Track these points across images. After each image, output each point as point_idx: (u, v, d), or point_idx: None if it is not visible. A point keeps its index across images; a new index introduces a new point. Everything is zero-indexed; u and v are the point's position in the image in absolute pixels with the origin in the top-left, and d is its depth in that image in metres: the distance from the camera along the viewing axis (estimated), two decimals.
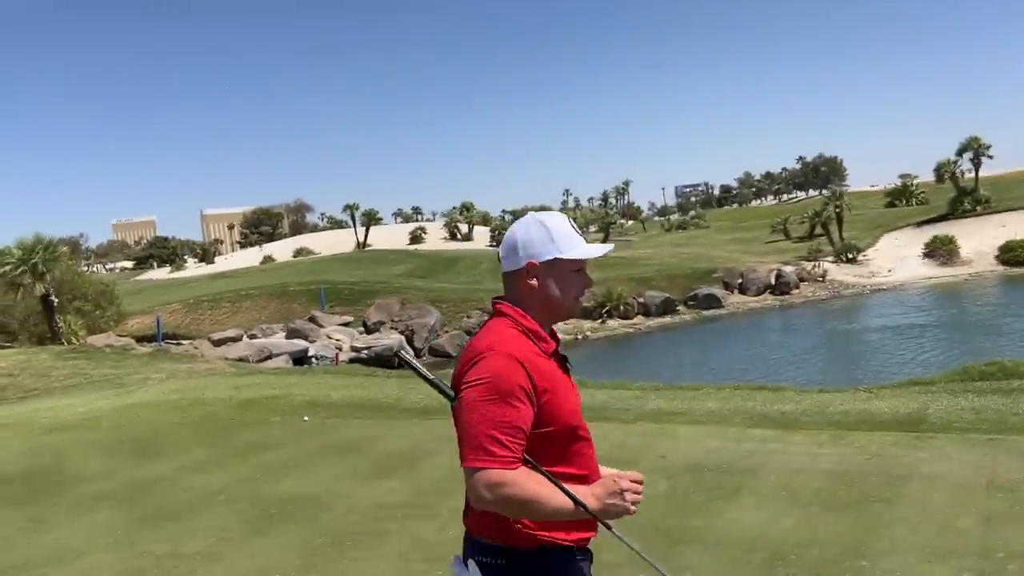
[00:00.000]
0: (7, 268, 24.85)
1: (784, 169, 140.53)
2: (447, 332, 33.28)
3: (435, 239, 71.84)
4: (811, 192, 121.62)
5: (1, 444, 9.53)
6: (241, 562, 5.02)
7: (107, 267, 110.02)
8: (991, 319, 29.69)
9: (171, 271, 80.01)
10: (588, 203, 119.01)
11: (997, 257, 43.11)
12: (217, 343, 29.67)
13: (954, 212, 51.71)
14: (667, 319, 36.45)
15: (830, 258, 45.87)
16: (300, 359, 28.37)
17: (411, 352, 31.33)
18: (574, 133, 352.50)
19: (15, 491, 7.23)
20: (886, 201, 70.02)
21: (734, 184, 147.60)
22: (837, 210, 50.33)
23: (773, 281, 41.35)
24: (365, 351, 29.70)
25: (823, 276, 43.09)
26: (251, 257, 77.84)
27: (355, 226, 72.48)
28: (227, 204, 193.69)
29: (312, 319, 34.41)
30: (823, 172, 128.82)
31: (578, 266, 2.08)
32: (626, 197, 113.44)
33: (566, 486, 1.89)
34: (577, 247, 2.06)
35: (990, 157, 53.92)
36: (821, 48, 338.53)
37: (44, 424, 10.77)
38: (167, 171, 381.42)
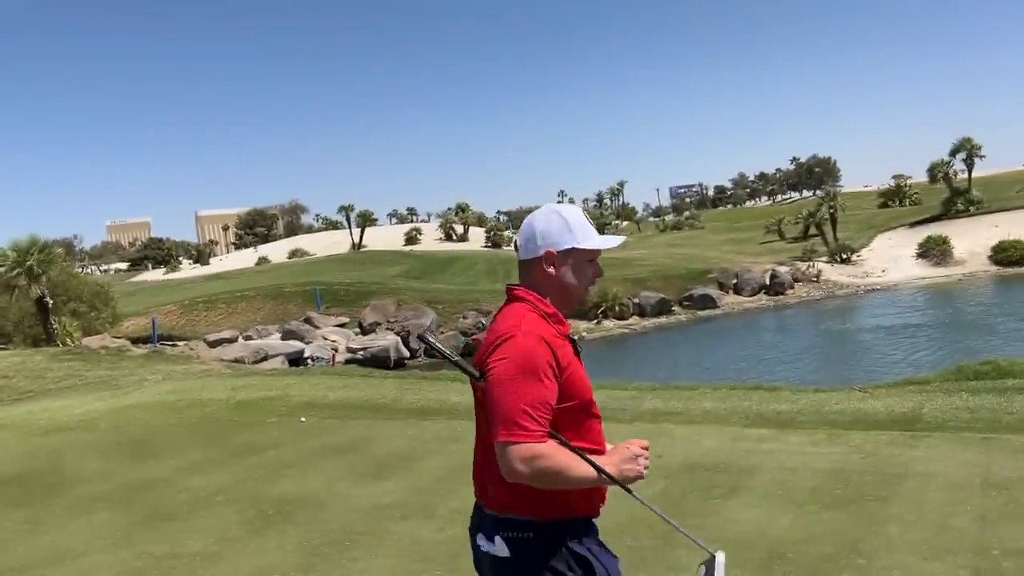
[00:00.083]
0: (2, 270, 24.79)
1: (778, 170, 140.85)
2: (443, 333, 33.26)
3: (430, 240, 71.82)
4: (805, 193, 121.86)
5: None
6: (240, 562, 5.03)
7: (101, 268, 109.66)
8: (984, 319, 29.80)
9: (166, 272, 79.80)
10: (583, 204, 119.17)
11: (990, 257, 43.28)
12: (213, 344, 29.61)
13: (947, 212, 51.88)
14: (662, 319, 36.50)
15: (824, 258, 45.97)
16: (296, 360, 28.33)
17: (407, 352, 31.38)
18: (569, 134, 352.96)
19: (12, 492, 7.22)
20: (880, 201, 70.16)
21: (728, 185, 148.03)
22: (831, 210, 50.44)
23: (768, 281, 41.44)
24: (361, 352, 29.68)
25: (817, 276, 43.19)
26: (246, 258, 77.64)
27: (350, 227, 72.42)
28: (222, 205, 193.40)
29: (308, 320, 34.37)
30: (817, 173, 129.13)
31: (592, 256, 2.20)
32: (621, 198, 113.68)
33: (589, 456, 2.01)
34: (592, 238, 2.18)
35: (981, 157, 54.14)
36: (815, 50, 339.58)
37: (40, 426, 10.76)
38: (162, 172, 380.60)
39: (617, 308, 35.64)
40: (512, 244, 67.03)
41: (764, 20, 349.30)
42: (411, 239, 70.80)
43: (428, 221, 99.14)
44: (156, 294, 47.93)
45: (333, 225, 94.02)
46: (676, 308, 37.75)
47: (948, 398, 7.73)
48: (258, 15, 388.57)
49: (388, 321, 33.73)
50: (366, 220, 72.67)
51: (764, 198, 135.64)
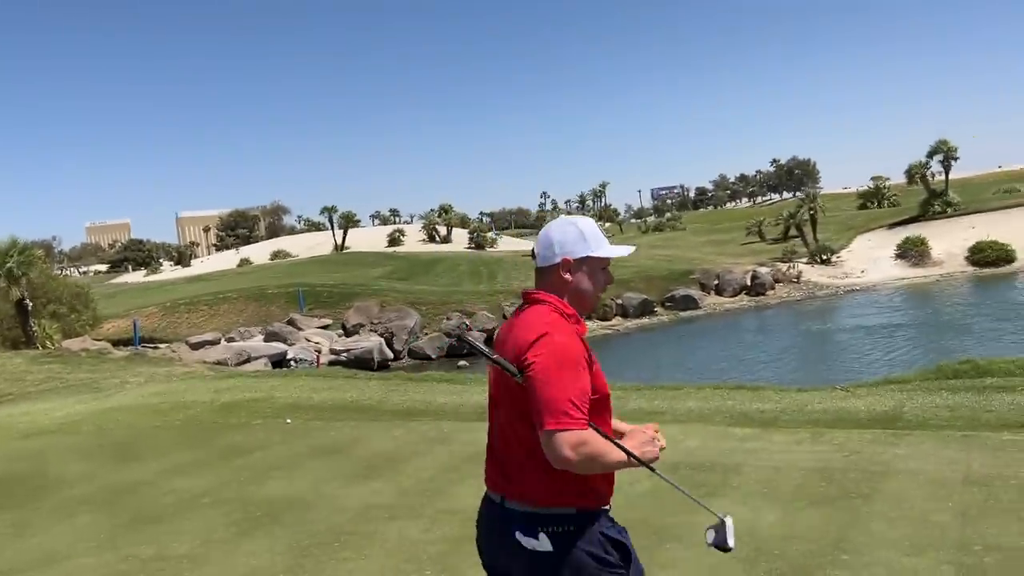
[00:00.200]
0: None
1: (758, 171, 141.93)
2: (427, 334, 33.22)
3: (413, 241, 71.52)
4: (785, 194, 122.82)
5: None
6: (228, 564, 5.02)
7: (81, 270, 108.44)
8: (962, 319, 30.17)
9: (146, 274, 79.01)
10: (565, 205, 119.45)
11: (967, 258, 43.81)
12: (195, 346, 29.42)
13: (925, 214, 52.44)
14: (645, 320, 36.65)
15: (804, 259, 46.33)
16: (279, 362, 28.21)
17: (391, 353, 31.32)
18: (552, 136, 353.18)
19: None
20: (859, 203, 70.75)
21: (709, 186, 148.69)
22: (811, 212, 50.82)
23: (749, 282, 41.72)
24: (345, 354, 29.58)
25: (798, 277, 43.53)
26: (228, 260, 76.98)
27: (333, 228, 72.04)
28: (203, 207, 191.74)
29: (291, 322, 34.20)
30: (797, 174, 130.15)
31: (604, 264, 2.38)
32: (603, 199, 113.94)
33: (617, 440, 2.17)
34: (605, 247, 2.37)
35: (956, 159, 54.78)
36: (795, 53, 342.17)
37: (21, 429, 10.66)
38: (142, 173, 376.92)
39: (600, 309, 35.74)
40: (490, 243, 67.04)
41: (746, 24, 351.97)
42: (394, 240, 70.49)
43: (411, 222, 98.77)
44: (137, 296, 47.47)
45: (315, 226, 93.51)
46: (658, 309, 37.92)
47: (928, 397, 7.84)
48: (236, 16, 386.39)
49: (372, 322, 33.65)
50: (349, 221, 72.35)
51: (745, 200, 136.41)
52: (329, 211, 71.97)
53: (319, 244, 72.33)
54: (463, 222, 79.38)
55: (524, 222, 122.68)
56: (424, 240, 72.16)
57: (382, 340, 31.63)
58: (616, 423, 2.37)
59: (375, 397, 10.61)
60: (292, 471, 7.19)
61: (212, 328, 34.11)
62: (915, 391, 8.16)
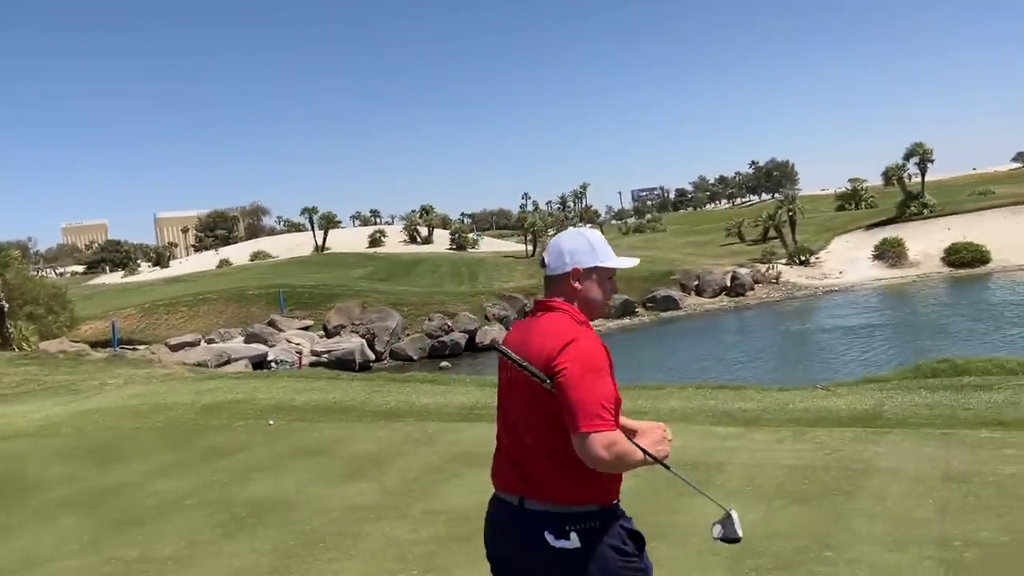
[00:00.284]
0: None
1: (737, 173, 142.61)
2: (408, 335, 33.17)
3: (395, 242, 71.29)
4: (764, 196, 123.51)
5: None
6: (213, 566, 5.00)
7: (57, 271, 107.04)
8: (938, 319, 30.56)
9: (124, 275, 78.24)
10: (547, 206, 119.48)
11: (943, 259, 44.39)
12: (174, 348, 29.20)
13: (902, 215, 53.03)
14: (626, 321, 36.79)
15: (783, 260, 46.72)
16: (260, 363, 28.05)
17: (373, 354, 31.22)
18: (533, 137, 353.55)
19: None
20: (836, 204, 71.32)
21: (689, 188, 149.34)
22: (790, 213, 51.21)
23: (728, 283, 42.02)
24: (326, 355, 29.48)
25: (777, 278, 43.88)
26: (207, 261, 76.34)
27: (313, 229, 71.59)
28: (181, 207, 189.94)
29: (271, 323, 34.03)
30: (775, 176, 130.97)
31: (611, 273, 2.50)
32: (584, 201, 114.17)
33: (633, 440, 2.30)
34: (612, 258, 2.49)
35: (932, 162, 55.45)
36: (774, 56, 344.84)
37: None
38: (119, 173, 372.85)
39: None
40: (472, 244, 66.99)
41: (724, 27, 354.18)
42: (375, 241, 70.21)
43: (392, 223, 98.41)
44: (115, 297, 46.99)
45: (295, 227, 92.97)
46: (639, 310, 38.09)
47: (908, 395, 7.94)
48: (213, 15, 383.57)
49: (353, 323, 33.53)
50: (329, 222, 71.96)
51: (724, 201, 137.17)
52: (309, 212, 71.62)
53: (299, 245, 71.91)
54: (444, 223, 79.27)
55: (505, 223, 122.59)
56: (405, 241, 72.00)
57: (364, 341, 31.54)
58: (624, 420, 2.44)
59: (358, 398, 10.58)
60: (276, 472, 7.16)
61: (192, 330, 33.86)
62: (895, 390, 8.26)
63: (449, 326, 33.32)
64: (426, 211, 75.98)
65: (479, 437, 7.75)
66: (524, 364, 2.29)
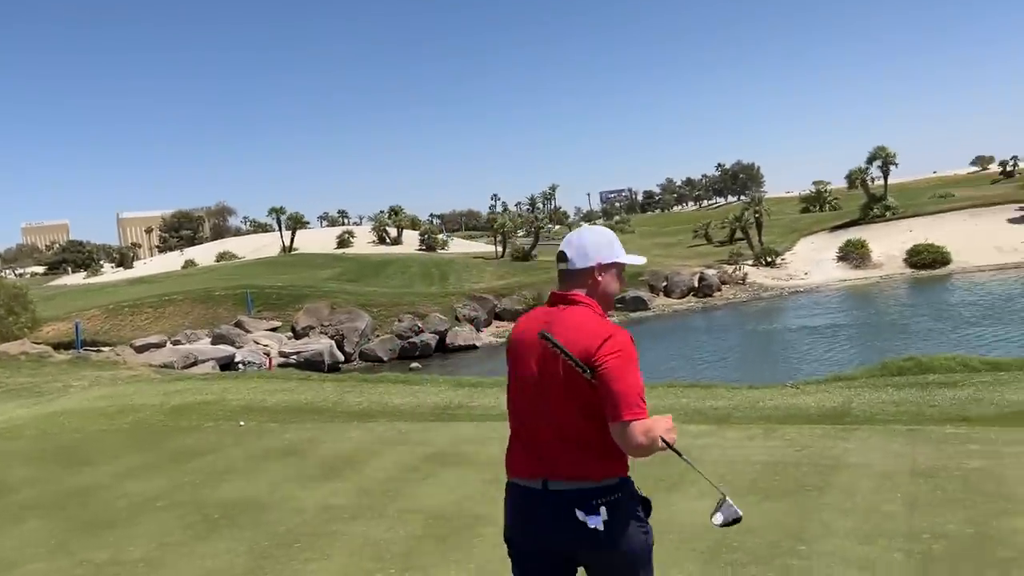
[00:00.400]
0: None
1: (704, 176, 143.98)
2: (378, 336, 33.02)
3: (363, 243, 70.90)
4: (730, 198, 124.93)
5: None
6: (186, 567, 4.95)
7: (16, 272, 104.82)
8: (901, 318, 31.17)
9: (87, 276, 76.90)
10: (516, 207, 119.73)
11: (905, 260, 45.31)
12: (140, 349, 28.78)
13: (865, 217, 54.04)
14: None
15: (750, 261, 47.31)
16: (227, 365, 27.74)
17: (342, 355, 31.01)
18: (501, 139, 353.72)
19: None
20: (801, 207, 72.43)
21: (657, 190, 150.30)
22: (756, 215, 51.89)
23: (696, 284, 42.46)
24: (294, 356, 29.24)
25: (744, 279, 44.42)
26: (172, 262, 75.32)
27: (281, 230, 70.98)
28: (145, 207, 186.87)
29: (239, 324, 33.67)
30: (741, 179, 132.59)
31: (622, 268, 2.66)
32: (553, 202, 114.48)
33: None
34: (626, 255, 2.65)
35: (895, 165, 56.56)
36: (739, 60, 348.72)
37: None
38: (80, 173, 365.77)
39: None
40: (442, 245, 66.83)
41: (690, 30, 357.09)
42: (343, 242, 69.80)
43: (360, 224, 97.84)
44: (77, 298, 46.16)
45: (262, 228, 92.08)
46: (609, 311, 38.33)
47: (875, 393, 8.11)
48: (179, 12, 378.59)
49: (322, 325, 33.30)
50: (297, 223, 71.43)
51: (691, 203, 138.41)
52: (277, 212, 70.94)
53: (266, 246, 71.29)
54: (414, 224, 78.99)
55: (475, 224, 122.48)
56: (374, 242, 71.66)
57: (332, 342, 31.34)
58: None
59: (330, 399, 10.52)
60: (248, 473, 7.09)
61: (157, 331, 33.40)
62: (862, 388, 8.42)
63: (419, 327, 33.22)
64: (395, 212, 75.67)
65: (453, 437, 7.76)
66: (568, 354, 2.40)
